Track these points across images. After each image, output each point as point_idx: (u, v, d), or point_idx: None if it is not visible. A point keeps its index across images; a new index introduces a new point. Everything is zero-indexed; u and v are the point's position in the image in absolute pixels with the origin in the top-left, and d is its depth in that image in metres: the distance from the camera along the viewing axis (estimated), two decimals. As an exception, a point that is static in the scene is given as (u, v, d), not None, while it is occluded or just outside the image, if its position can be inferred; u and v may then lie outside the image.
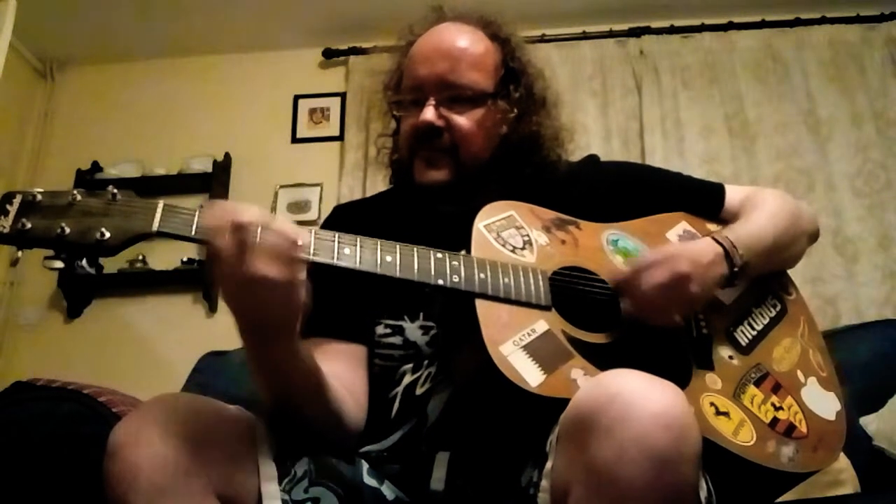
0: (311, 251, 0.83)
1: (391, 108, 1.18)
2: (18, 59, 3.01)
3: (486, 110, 1.11)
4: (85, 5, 2.88)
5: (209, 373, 1.82)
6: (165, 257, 2.80)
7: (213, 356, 1.88)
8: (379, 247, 0.88)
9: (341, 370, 1.01)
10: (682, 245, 1.01)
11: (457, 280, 0.90)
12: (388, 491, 0.92)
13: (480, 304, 0.89)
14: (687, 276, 0.95)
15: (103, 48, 3.16)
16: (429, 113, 1.07)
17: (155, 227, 0.79)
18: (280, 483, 0.82)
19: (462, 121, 1.09)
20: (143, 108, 3.14)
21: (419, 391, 0.99)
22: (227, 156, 3.04)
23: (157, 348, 2.72)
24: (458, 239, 0.98)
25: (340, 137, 3.03)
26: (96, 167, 3.02)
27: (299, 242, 0.79)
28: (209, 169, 2.97)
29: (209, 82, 3.17)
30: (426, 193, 1.11)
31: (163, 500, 0.73)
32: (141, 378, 1.94)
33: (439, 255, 0.91)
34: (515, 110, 1.12)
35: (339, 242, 0.86)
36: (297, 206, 2.94)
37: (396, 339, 1.04)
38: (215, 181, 2.96)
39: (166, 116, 3.12)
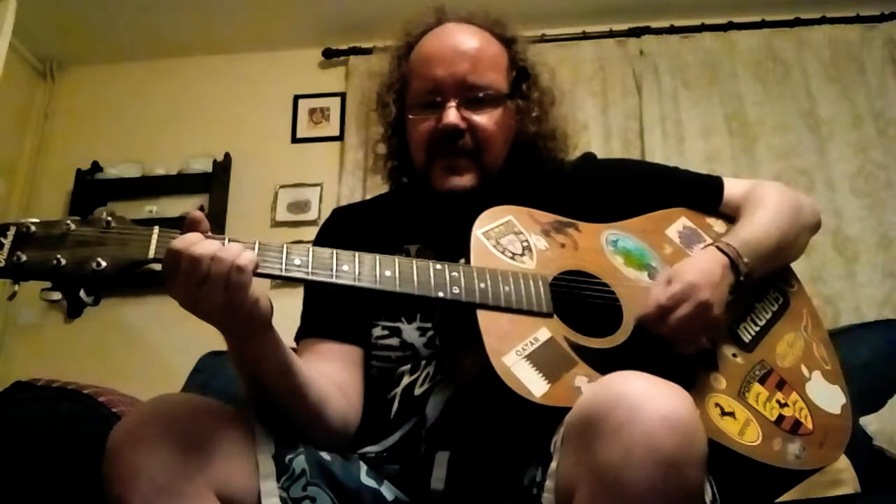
0: (310, 270, 0.84)
1: (395, 112, 1.15)
2: (18, 59, 3.01)
3: (504, 110, 1.10)
4: (85, 5, 2.88)
5: (209, 373, 1.82)
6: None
7: (213, 356, 1.88)
8: (377, 262, 0.88)
9: (335, 370, 1.01)
10: (692, 266, 0.99)
11: (457, 291, 0.89)
12: (387, 491, 0.92)
13: (482, 315, 0.89)
14: (709, 304, 0.95)
15: (103, 48, 3.16)
16: (452, 115, 1.06)
17: (151, 254, 0.80)
18: (279, 480, 0.82)
19: (484, 121, 1.08)
20: (143, 108, 3.13)
21: (418, 392, 0.99)
22: (227, 156, 3.03)
23: (157, 348, 2.72)
24: (460, 239, 0.98)
25: (340, 137, 3.03)
26: (96, 167, 3.02)
27: (241, 264, 0.78)
28: (209, 169, 2.97)
29: (209, 82, 3.17)
30: (448, 201, 1.09)
31: (162, 500, 0.73)
32: (141, 378, 1.94)
33: (438, 266, 0.90)
34: (535, 110, 1.12)
35: (336, 259, 0.85)
36: (297, 206, 2.94)
37: (393, 341, 1.04)
38: (215, 181, 2.96)
39: (166, 116, 3.12)
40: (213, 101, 3.14)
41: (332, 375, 0.99)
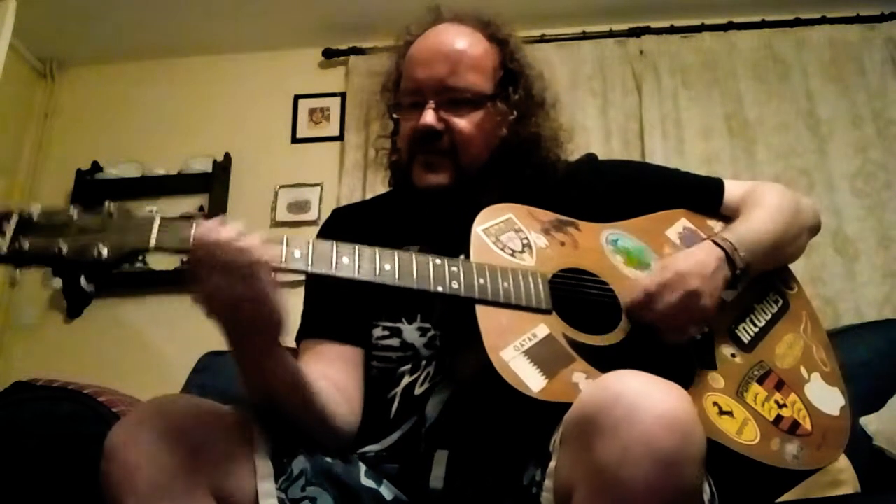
0: (310, 261, 0.84)
1: (390, 111, 1.18)
2: (18, 59, 3.01)
3: (486, 112, 1.10)
4: (85, 5, 2.88)
5: (209, 373, 1.82)
6: (165, 257, 2.80)
7: (213, 356, 1.88)
8: (377, 255, 0.88)
9: (335, 372, 1.01)
10: (685, 257, 1.00)
11: (456, 286, 0.89)
12: (386, 491, 0.92)
13: (480, 310, 0.89)
14: (698, 293, 0.96)
15: (103, 48, 3.16)
16: (428, 116, 1.07)
17: (152, 242, 0.80)
18: (276, 482, 0.82)
19: (461, 123, 1.08)
20: (143, 108, 3.13)
21: (418, 391, 0.99)
22: (227, 156, 3.04)
23: (157, 348, 2.72)
24: (457, 241, 0.98)
25: (340, 137, 3.03)
26: (96, 167, 3.02)
27: (264, 259, 0.79)
28: (209, 169, 2.97)
29: (209, 82, 3.17)
30: (425, 197, 1.10)
31: (160, 501, 0.73)
32: (141, 378, 1.94)
33: (438, 261, 0.91)
34: (515, 112, 1.12)
35: (336, 252, 0.86)
36: (297, 206, 2.94)
37: (394, 342, 1.04)
38: (215, 181, 2.96)
39: (166, 116, 3.12)
40: (213, 101, 3.14)
41: (333, 378, 0.99)
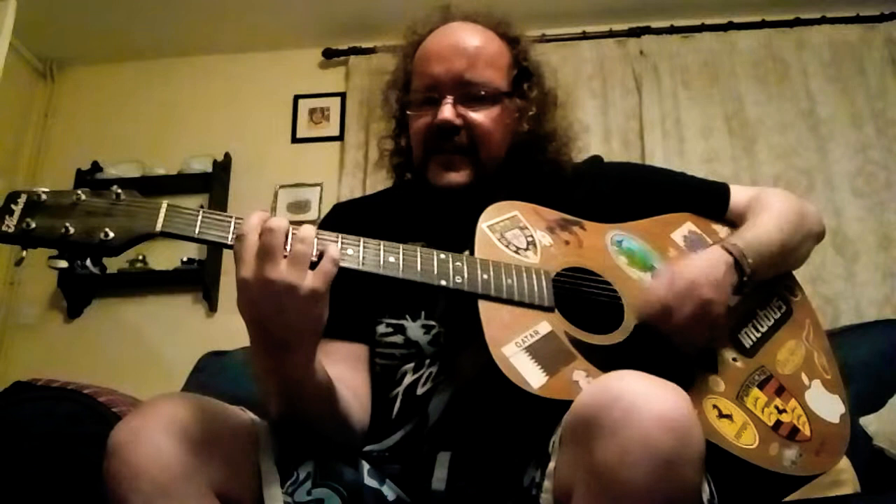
0: (314, 252, 0.83)
1: (398, 108, 1.17)
2: (18, 59, 3.01)
3: (502, 109, 1.10)
4: (85, 5, 2.89)
5: (209, 373, 1.83)
6: (165, 257, 2.80)
7: (213, 356, 1.88)
8: (382, 247, 0.88)
9: (344, 372, 1.00)
10: (695, 263, 0.99)
11: (459, 281, 0.89)
12: (388, 491, 0.92)
13: (483, 305, 0.89)
14: (711, 302, 0.95)
15: (103, 48, 3.16)
16: (447, 111, 1.06)
17: (158, 227, 0.79)
18: (283, 486, 0.82)
19: (480, 118, 1.08)
20: (143, 108, 3.14)
21: (420, 391, 0.99)
22: (227, 156, 3.04)
23: (157, 348, 2.72)
24: (462, 238, 0.98)
25: (340, 137, 3.03)
26: (96, 167, 3.02)
27: (329, 253, 0.80)
28: (209, 169, 2.97)
29: (209, 82, 3.18)
30: (444, 196, 1.09)
31: (163, 500, 0.72)
32: (141, 378, 1.94)
33: (442, 255, 0.90)
34: (534, 109, 1.12)
35: (342, 243, 0.85)
36: (297, 206, 2.94)
37: (398, 339, 1.04)
38: (215, 181, 2.96)
39: (166, 116, 3.12)
40: (213, 101, 3.14)
41: (345, 379, 0.98)
